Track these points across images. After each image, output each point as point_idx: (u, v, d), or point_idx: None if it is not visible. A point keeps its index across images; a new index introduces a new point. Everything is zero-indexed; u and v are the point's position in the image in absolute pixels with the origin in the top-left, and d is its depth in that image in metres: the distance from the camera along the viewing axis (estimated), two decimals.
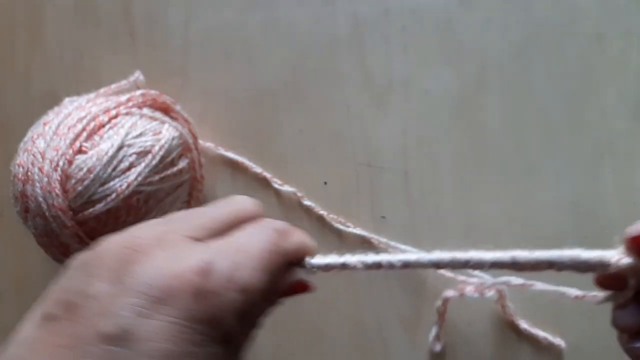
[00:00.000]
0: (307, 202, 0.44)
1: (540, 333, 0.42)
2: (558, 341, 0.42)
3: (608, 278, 0.27)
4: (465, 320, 0.43)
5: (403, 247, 0.43)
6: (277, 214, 0.45)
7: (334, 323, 0.44)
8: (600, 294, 0.30)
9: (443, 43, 0.45)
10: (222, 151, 0.45)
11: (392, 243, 0.44)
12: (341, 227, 0.44)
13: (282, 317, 0.45)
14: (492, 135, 0.44)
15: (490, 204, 0.44)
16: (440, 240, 0.44)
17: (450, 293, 0.41)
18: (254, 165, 0.45)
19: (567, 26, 0.44)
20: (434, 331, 0.42)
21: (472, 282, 0.40)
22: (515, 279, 0.37)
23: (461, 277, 0.41)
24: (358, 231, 0.44)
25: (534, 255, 0.27)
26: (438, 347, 0.43)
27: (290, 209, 0.45)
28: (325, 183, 0.45)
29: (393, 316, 0.44)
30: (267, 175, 0.45)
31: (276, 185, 0.45)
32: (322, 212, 0.44)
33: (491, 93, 0.44)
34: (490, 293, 0.40)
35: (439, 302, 0.41)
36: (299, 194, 0.45)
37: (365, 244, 0.44)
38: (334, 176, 0.45)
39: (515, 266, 0.27)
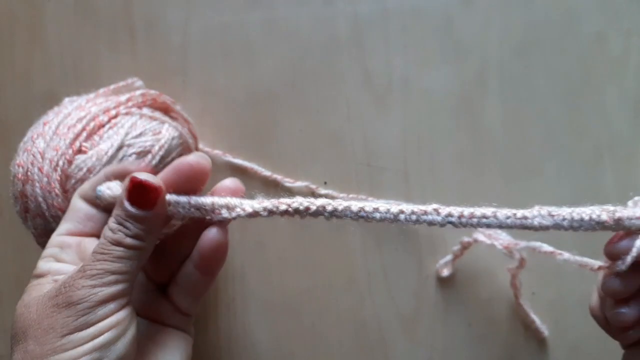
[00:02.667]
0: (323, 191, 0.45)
1: (532, 315, 0.42)
2: (543, 329, 0.42)
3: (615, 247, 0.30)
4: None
5: None
6: None
7: (334, 323, 0.44)
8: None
9: (443, 43, 0.45)
10: (230, 158, 0.45)
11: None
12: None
13: (282, 317, 0.45)
14: (492, 135, 0.44)
15: (489, 204, 0.44)
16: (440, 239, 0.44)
17: (480, 237, 0.40)
18: (256, 166, 0.45)
19: (567, 26, 0.44)
20: (447, 258, 0.43)
21: (504, 238, 0.40)
22: (547, 246, 0.37)
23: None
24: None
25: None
26: (446, 273, 0.43)
27: None
28: (325, 183, 0.45)
29: (393, 316, 0.44)
30: (274, 175, 0.45)
31: (288, 184, 0.45)
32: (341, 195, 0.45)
33: (491, 93, 0.44)
34: (517, 256, 0.40)
35: (465, 238, 0.41)
36: (312, 186, 0.45)
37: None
38: (334, 176, 0.45)
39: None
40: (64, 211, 0.35)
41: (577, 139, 0.44)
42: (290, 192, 0.45)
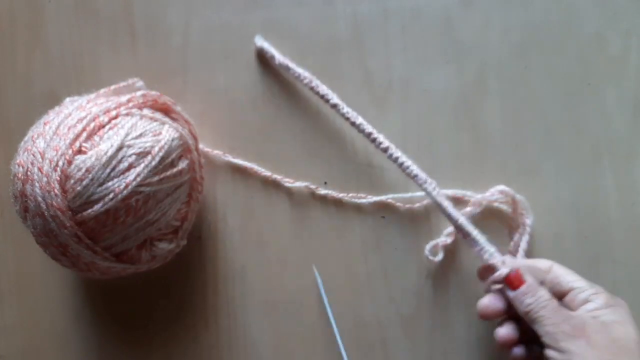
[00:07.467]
0: (323, 191, 0.45)
1: None
2: None
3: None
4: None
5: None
6: (283, 211, 0.45)
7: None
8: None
9: (443, 43, 0.45)
10: (230, 158, 0.45)
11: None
12: (359, 201, 0.45)
13: (282, 316, 0.45)
14: (491, 135, 0.44)
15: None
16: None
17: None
18: (256, 167, 0.45)
19: (567, 26, 0.44)
20: (439, 243, 0.43)
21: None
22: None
23: None
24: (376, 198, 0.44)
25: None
26: (439, 257, 0.43)
27: (299, 204, 0.45)
28: (326, 183, 0.45)
29: (393, 316, 0.44)
30: (274, 176, 0.45)
31: (287, 184, 0.45)
32: (341, 195, 0.45)
33: (491, 93, 0.44)
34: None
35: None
36: (312, 186, 0.45)
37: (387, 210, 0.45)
38: (335, 176, 0.45)
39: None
40: (63, 211, 0.35)
41: (576, 138, 0.44)
42: (290, 192, 0.45)
